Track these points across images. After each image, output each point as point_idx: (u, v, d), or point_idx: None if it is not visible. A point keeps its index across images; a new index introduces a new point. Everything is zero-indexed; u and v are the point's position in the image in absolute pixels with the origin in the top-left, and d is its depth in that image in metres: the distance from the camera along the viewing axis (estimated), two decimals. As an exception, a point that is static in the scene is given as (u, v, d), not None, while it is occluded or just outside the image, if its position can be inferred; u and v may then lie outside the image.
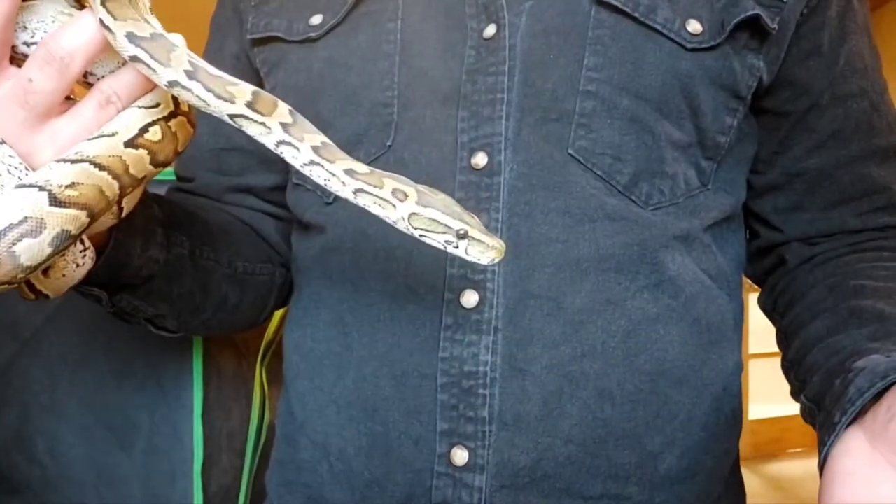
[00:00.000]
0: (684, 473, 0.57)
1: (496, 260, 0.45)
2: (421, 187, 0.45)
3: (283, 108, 0.43)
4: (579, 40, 0.56)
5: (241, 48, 0.69)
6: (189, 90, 0.41)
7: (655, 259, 0.56)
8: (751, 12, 0.56)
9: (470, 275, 0.55)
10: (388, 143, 0.58)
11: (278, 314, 1.00)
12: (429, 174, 0.57)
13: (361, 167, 0.45)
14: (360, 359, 0.59)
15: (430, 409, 0.55)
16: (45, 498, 0.97)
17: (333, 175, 0.44)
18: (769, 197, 0.65)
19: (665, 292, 0.56)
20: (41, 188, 0.39)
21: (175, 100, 0.45)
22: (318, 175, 0.44)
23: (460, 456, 0.54)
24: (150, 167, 0.44)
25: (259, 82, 0.66)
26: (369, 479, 0.58)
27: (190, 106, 0.45)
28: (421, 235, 0.45)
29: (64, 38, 0.39)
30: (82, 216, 0.40)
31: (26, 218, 0.38)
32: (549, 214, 0.55)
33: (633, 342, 0.55)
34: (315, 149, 0.44)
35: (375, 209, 0.45)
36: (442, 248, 0.45)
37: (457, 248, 0.45)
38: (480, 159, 0.56)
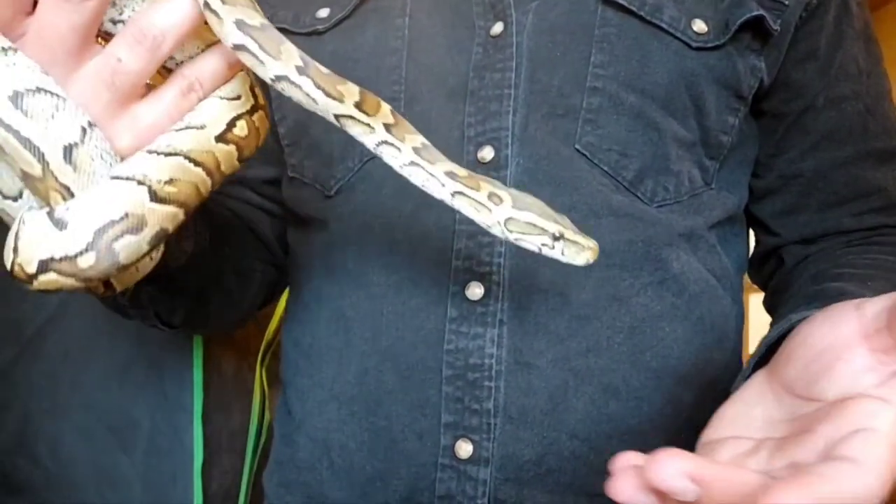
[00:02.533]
0: None
1: (591, 260, 0.44)
2: (513, 191, 0.44)
3: (386, 108, 0.42)
4: (586, 38, 0.56)
5: None
6: (298, 86, 0.39)
7: (660, 256, 0.56)
8: (755, 13, 0.57)
9: (475, 267, 0.55)
10: None
11: (278, 314, 1.00)
12: None
13: (461, 170, 0.44)
14: (362, 353, 0.59)
15: (434, 402, 0.55)
16: (46, 498, 0.96)
17: (433, 176, 0.43)
18: (767, 201, 0.66)
19: (669, 290, 0.57)
20: (140, 182, 0.37)
21: (254, 92, 0.43)
22: (416, 176, 0.43)
23: (465, 449, 0.54)
24: (237, 163, 0.42)
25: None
26: (371, 474, 0.58)
27: (265, 99, 0.44)
28: (517, 239, 0.44)
29: (157, 15, 0.37)
30: (180, 214, 0.39)
31: (127, 214, 0.36)
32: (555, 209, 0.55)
33: (638, 339, 0.55)
34: (416, 150, 0.43)
35: (471, 212, 0.44)
36: (537, 250, 0.44)
37: (552, 249, 0.44)
38: (487, 153, 0.56)
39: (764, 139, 0.64)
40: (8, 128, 0.35)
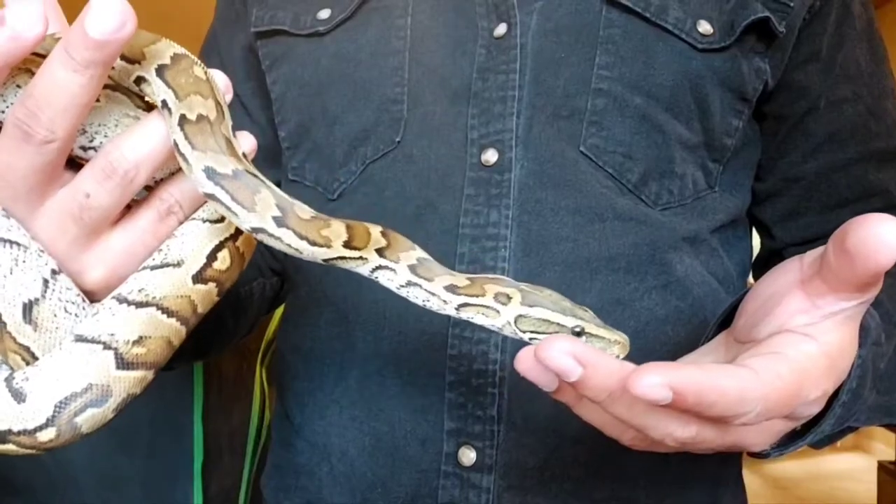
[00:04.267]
0: (691, 476, 0.57)
1: (621, 356, 0.40)
2: (525, 286, 0.42)
3: (376, 232, 0.40)
4: (590, 39, 0.56)
5: (249, 41, 0.68)
6: (278, 238, 0.36)
7: (664, 260, 0.56)
8: (760, 14, 0.56)
9: (479, 271, 0.55)
10: (397, 140, 0.58)
11: (278, 314, 1.00)
12: (438, 170, 0.57)
13: (461, 279, 0.41)
14: (363, 358, 0.58)
15: (437, 408, 0.55)
16: (46, 499, 0.97)
17: (434, 294, 0.41)
18: (769, 204, 0.65)
19: (673, 293, 0.56)
20: (106, 346, 0.34)
21: None
22: (416, 295, 0.41)
23: (468, 456, 0.54)
24: (216, 299, 0.39)
25: (261, 75, 0.66)
26: (373, 480, 0.57)
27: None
28: (530, 339, 0.40)
29: (127, 147, 0.34)
30: (149, 376, 0.36)
31: (91, 385, 0.33)
32: (560, 213, 0.55)
33: (642, 343, 0.55)
34: (412, 268, 0.41)
35: (480, 319, 0.41)
36: None
37: None
38: (491, 156, 0.56)
39: (766, 142, 0.64)
40: None
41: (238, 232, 0.39)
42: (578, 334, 0.40)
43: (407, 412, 0.56)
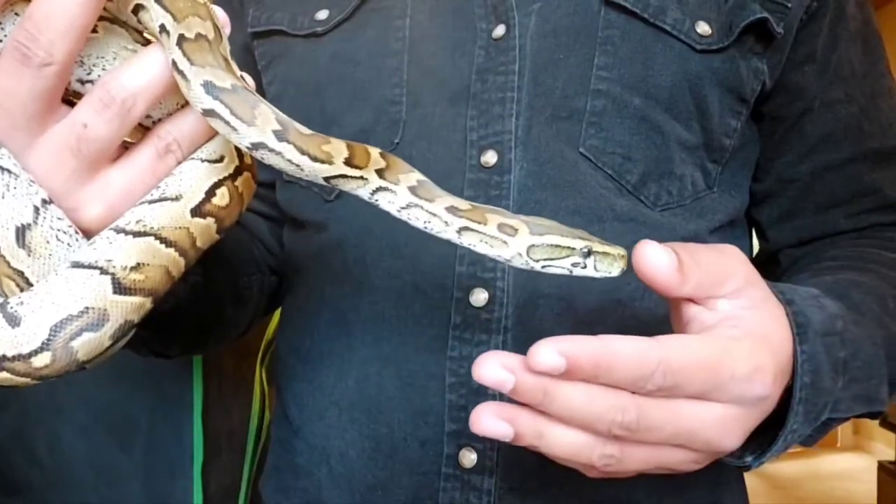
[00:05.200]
0: (691, 478, 0.57)
1: (624, 268, 0.42)
2: (524, 217, 0.42)
3: (376, 153, 0.40)
4: (589, 40, 0.56)
5: (245, 40, 0.67)
6: (279, 153, 0.35)
7: None
8: (759, 15, 0.56)
9: (479, 273, 0.55)
10: (396, 141, 0.58)
11: (278, 313, 0.99)
12: (437, 172, 0.56)
13: (463, 203, 0.41)
14: (363, 359, 0.58)
15: (437, 410, 0.55)
16: (45, 497, 0.96)
17: (434, 215, 0.41)
18: (765, 205, 0.66)
19: None
20: (103, 271, 0.34)
21: (239, 152, 0.39)
22: (417, 217, 0.41)
23: (469, 458, 0.54)
24: (216, 236, 0.39)
25: (257, 75, 0.65)
26: (372, 482, 0.57)
27: (252, 158, 0.40)
28: (544, 267, 0.41)
29: (126, 76, 0.34)
30: (147, 303, 0.35)
31: (87, 309, 0.33)
32: (559, 213, 0.55)
33: None
34: (412, 189, 0.40)
35: (483, 248, 0.41)
36: (568, 272, 0.42)
37: (584, 268, 0.41)
38: (490, 157, 0.55)
39: (763, 142, 0.64)
40: None
41: (237, 172, 0.39)
42: (588, 253, 0.41)
43: (407, 414, 0.56)
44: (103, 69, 0.36)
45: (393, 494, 0.56)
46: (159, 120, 0.37)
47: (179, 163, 0.37)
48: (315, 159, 0.36)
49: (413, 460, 0.56)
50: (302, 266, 0.65)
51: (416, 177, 0.41)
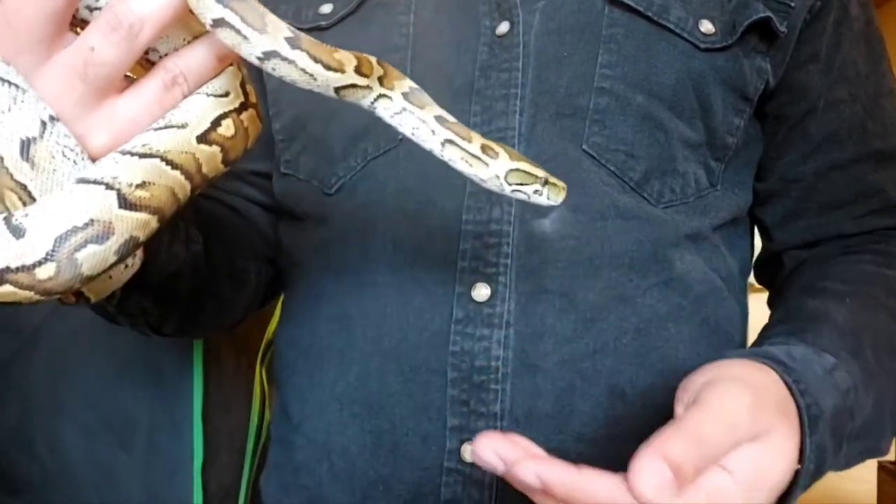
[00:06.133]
0: None
1: (564, 199, 0.46)
2: (500, 143, 0.44)
3: (374, 61, 0.40)
4: (593, 38, 0.56)
5: None
6: (292, 62, 0.35)
7: (666, 257, 0.56)
8: (762, 14, 0.57)
9: (482, 268, 0.55)
10: (399, 137, 0.58)
11: (278, 313, 0.99)
12: (440, 167, 0.56)
13: (449, 116, 0.42)
14: (364, 354, 0.58)
15: (439, 405, 0.55)
16: (45, 496, 0.96)
17: (423, 122, 0.42)
18: (769, 205, 0.66)
19: (675, 290, 0.56)
20: (109, 186, 0.34)
21: (245, 90, 0.40)
22: (406, 123, 0.42)
23: (470, 452, 0.54)
24: (221, 166, 0.39)
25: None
26: (374, 478, 0.57)
27: (257, 97, 0.41)
28: (514, 191, 0.44)
29: (134, 1, 0.34)
30: (153, 221, 0.35)
31: (92, 221, 0.33)
32: (562, 210, 0.55)
33: (644, 340, 0.55)
34: (405, 95, 0.41)
35: (462, 166, 0.43)
36: (527, 198, 0.45)
37: (541, 195, 0.45)
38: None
39: (767, 142, 0.64)
40: None
41: (242, 108, 0.39)
42: (545, 182, 0.44)
43: (408, 409, 0.56)
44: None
45: (395, 490, 0.56)
46: (166, 55, 0.37)
47: (185, 96, 0.37)
48: (328, 67, 0.36)
49: (415, 455, 0.56)
50: (302, 260, 0.65)
51: (408, 83, 0.42)
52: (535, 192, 0.45)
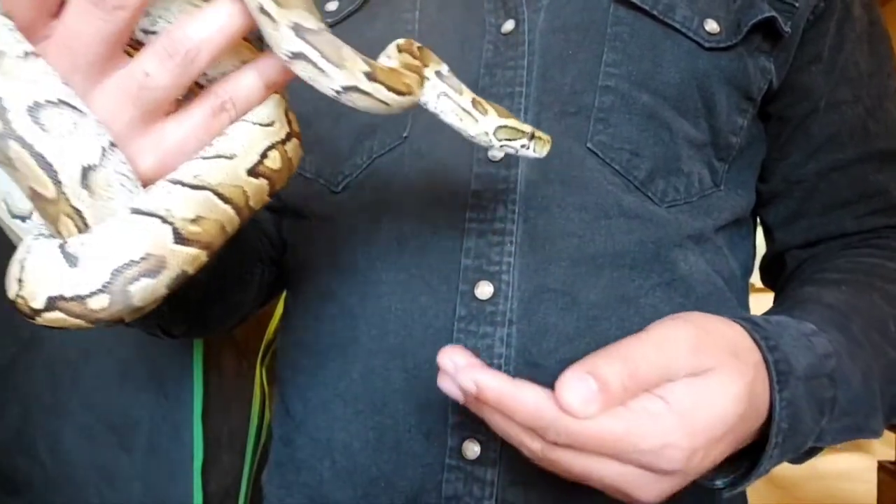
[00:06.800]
0: None
1: (548, 151, 0.47)
2: (483, 98, 0.45)
3: (416, 50, 0.42)
4: (598, 37, 0.56)
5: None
6: (369, 94, 0.36)
7: (669, 257, 0.56)
8: (767, 14, 0.57)
9: (485, 266, 0.55)
10: (405, 134, 0.58)
11: (279, 313, 0.99)
12: (445, 165, 0.57)
13: (445, 67, 0.44)
14: (368, 351, 0.58)
15: (441, 402, 0.55)
16: (46, 497, 0.96)
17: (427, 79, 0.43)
18: (772, 206, 0.66)
19: (677, 291, 0.56)
20: (164, 220, 0.34)
21: (289, 118, 0.40)
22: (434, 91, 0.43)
23: (472, 450, 0.54)
24: (267, 198, 0.39)
25: None
26: (376, 475, 0.57)
27: (299, 124, 0.41)
28: (502, 146, 0.45)
29: (193, 27, 0.34)
30: (203, 256, 0.35)
31: (148, 255, 0.33)
32: (566, 209, 0.55)
33: None
34: (437, 74, 0.43)
35: (451, 117, 0.44)
36: (515, 152, 0.46)
37: (528, 148, 0.46)
38: (497, 152, 0.56)
39: (770, 143, 0.64)
40: (22, 142, 0.32)
41: (288, 137, 0.39)
42: (532, 136, 0.46)
43: (411, 406, 0.56)
44: (167, 21, 0.36)
45: (397, 486, 0.56)
46: (213, 79, 0.37)
47: (232, 122, 0.37)
48: (400, 93, 0.37)
49: (417, 452, 0.56)
50: (306, 258, 0.65)
51: (440, 67, 0.43)
52: (523, 146, 0.46)
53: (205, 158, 0.36)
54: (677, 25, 0.56)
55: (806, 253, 0.65)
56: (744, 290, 0.64)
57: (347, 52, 0.35)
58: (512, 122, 0.45)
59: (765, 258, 0.70)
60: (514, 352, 0.54)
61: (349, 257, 0.60)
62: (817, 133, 0.62)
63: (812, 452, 0.51)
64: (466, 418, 0.54)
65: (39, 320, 0.34)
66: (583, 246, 0.55)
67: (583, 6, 0.57)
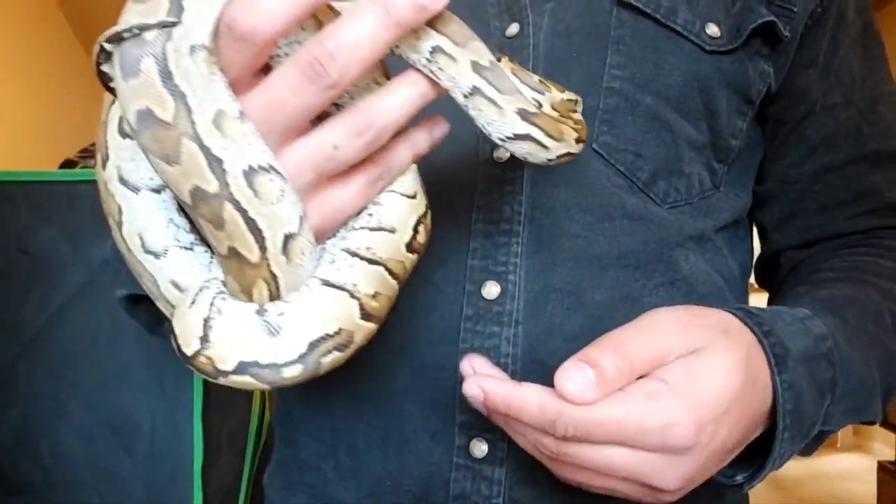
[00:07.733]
0: None
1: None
2: None
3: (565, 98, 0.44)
4: (601, 39, 0.57)
5: None
6: (549, 149, 0.38)
7: (671, 258, 0.57)
8: (766, 18, 0.57)
9: (492, 266, 0.55)
10: None
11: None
12: (451, 167, 0.57)
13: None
14: (373, 351, 0.58)
15: (448, 402, 0.55)
16: (47, 498, 0.96)
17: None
18: (767, 207, 0.66)
19: (679, 290, 0.57)
20: (352, 294, 0.35)
21: (424, 190, 0.40)
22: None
23: (480, 448, 0.54)
24: (410, 270, 0.39)
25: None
26: (381, 474, 0.57)
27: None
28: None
29: (384, 106, 0.35)
30: (375, 330, 0.36)
31: (340, 330, 0.34)
32: (571, 210, 0.55)
33: None
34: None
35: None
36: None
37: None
38: (503, 152, 0.56)
39: (766, 145, 0.65)
40: (237, 205, 0.32)
41: (426, 210, 0.40)
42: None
43: (417, 405, 0.56)
44: (352, 97, 0.37)
45: (403, 486, 0.56)
46: (352, 97, 0.38)
47: (380, 192, 0.38)
48: (559, 140, 0.38)
49: (423, 451, 0.56)
50: None
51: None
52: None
53: (371, 230, 0.37)
54: (679, 29, 0.56)
55: (801, 254, 0.65)
56: (743, 291, 0.65)
57: (566, 127, 0.37)
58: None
59: (759, 259, 0.70)
60: (521, 351, 0.54)
61: None
62: (812, 135, 0.63)
63: (821, 438, 0.51)
64: (474, 417, 0.54)
65: (223, 381, 0.34)
66: (587, 247, 0.55)
67: (586, 9, 0.57)
